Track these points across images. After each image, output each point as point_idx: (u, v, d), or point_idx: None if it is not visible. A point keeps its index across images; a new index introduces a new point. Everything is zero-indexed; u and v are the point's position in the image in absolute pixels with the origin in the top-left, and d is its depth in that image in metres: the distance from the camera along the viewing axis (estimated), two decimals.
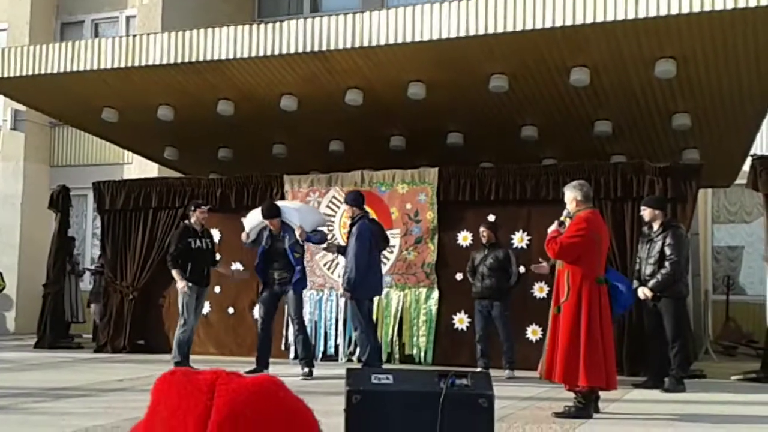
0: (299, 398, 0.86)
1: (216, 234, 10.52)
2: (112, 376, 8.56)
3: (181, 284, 8.74)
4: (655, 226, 8.13)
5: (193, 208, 9.17)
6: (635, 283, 8.12)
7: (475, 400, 3.85)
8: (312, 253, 10.64)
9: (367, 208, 9.10)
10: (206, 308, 9.00)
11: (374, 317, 9.10)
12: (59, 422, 5.77)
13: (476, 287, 8.98)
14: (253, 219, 8.90)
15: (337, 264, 10.44)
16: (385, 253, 9.40)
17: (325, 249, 9.62)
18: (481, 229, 9.18)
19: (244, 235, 8.86)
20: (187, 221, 9.17)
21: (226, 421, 0.77)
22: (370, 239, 8.27)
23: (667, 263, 7.90)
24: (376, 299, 9.14)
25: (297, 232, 8.47)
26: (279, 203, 9.00)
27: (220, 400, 0.78)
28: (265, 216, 8.69)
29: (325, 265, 10.57)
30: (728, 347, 12.49)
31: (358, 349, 9.54)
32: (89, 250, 15.86)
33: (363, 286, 8.21)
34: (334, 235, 10.50)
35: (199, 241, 8.94)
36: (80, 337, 13.09)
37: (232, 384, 0.80)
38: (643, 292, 7.99)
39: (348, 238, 8.59)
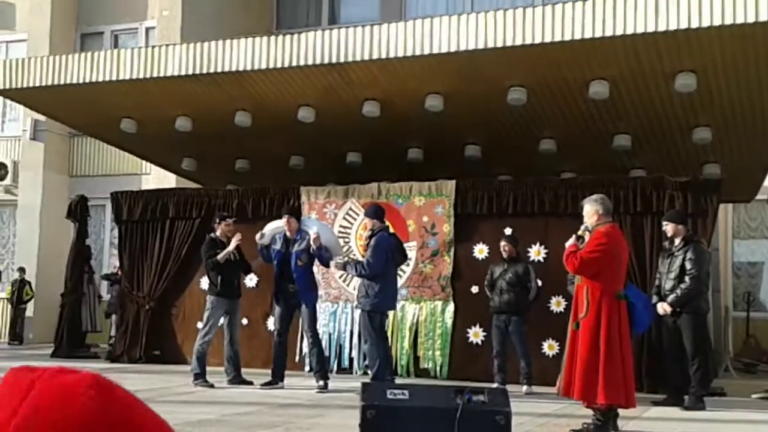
0: (126, 402, 0.82)
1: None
2: (127, 387, 8.51)
3: (234, 244, 8.77)
4: (677, 240, 8.02)
5: (218, 221, 9.10)
6: (655, 298, 8.02)
7: (491, 417, 3.80)
8: None
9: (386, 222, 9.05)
10: (222, 319, 8.93)
11: (389, 330, 9.01)
12: None
13: (494, 302, 8.84)
14: (274, 224, 8.96)
15: (353, 276, 10.39)
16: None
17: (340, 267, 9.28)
18: (502, 243, 9.04)
19: (258, 234, 8.80)
20: (212, 234, 9.07)
21: (21, 426, 0.73)
22: (387, 251, 8.20)
23: (687, 278, 7.80)
24: (390, 313, 9.05)
25: (312, 236, 8.40)
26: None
27: (26, 402, 0.74)
28: (285, 212, 8.79)
29: (340, 277, 10.53)
30: (748, 364, 12.33)
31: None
32: (107, 260, 15.92)
33: (377, 299, 8.13)
34: (350, 248, 10.46)
35: None
36: (97, 347, 13.10)
37: (45, 384, 0.76)
38: (663, 307, 7.88)
39: (365, 250, 8.53)
